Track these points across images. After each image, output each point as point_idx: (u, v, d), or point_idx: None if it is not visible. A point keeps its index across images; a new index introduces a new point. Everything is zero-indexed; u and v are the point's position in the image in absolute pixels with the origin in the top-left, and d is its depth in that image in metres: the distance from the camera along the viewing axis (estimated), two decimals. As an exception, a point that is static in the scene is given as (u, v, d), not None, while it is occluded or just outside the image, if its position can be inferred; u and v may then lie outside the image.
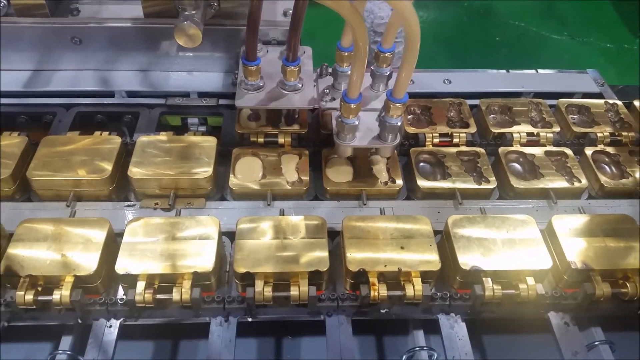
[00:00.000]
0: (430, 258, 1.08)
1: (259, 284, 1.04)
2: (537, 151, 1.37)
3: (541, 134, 1.41)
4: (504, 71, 1.68)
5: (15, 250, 1.07)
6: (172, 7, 1.41)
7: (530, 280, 1.07)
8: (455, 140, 1.39)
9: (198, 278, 1.05)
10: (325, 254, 1.08)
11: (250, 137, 1.36)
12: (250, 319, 1.10)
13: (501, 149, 1.37)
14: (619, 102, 1.52)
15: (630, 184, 1.32)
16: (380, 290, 1.05)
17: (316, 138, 1.39)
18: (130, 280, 1.05)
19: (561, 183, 1.30)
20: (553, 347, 1.10)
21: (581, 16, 4.39)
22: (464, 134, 1.39)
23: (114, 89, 1.53)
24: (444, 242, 1.16)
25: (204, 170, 1.24)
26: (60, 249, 1.07)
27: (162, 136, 1.33)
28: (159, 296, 1.04)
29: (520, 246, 1.11)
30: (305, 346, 1.21)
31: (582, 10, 4.46)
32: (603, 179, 1.31)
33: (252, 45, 1.20)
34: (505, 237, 1.12)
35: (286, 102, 1.29)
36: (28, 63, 1.54)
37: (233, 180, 1.26)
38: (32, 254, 1.06)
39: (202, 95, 1.54)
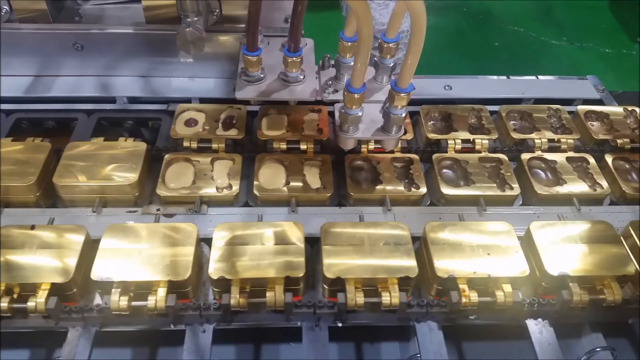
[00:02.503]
0: (517, 264, 1.09)
1: (350, 290, 1.05)
2: (471, 157, 1.37)
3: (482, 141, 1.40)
4: (505, 77, 1.69)
5: (105, 256, 1.07)
6: (174, 13, 1.42)
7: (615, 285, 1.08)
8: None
9: (289, 283, 1.06)
10: (412, 260, 1.09)
11: (183, 142, 1.36)
12: (340, 324, 1.10)
13: (435, 156, 1.37)
14: (638, 109, 1.51)
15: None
16: (470, 297, 1.05)
17: (254, 144, 1.40)
18: (223, 285, 1.06)
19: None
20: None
21: (580, 22, 4.42)
22: (403, 140, 1.40)
23: (115, 94, 1.54)
24: (526, 247, 1.16)
25: (130, 177, 1.24)
26: (152, 255, 1.08)
27: (92, 142, 1.33)
28: (252, 300, 1.05)
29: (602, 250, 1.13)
30: (386, 351, 1.22)
31: (581, 15, 4.48)
32: (624, 185, 1.31)
33: (253, 35, 1.18)
34: (587, 241, 1.14)
35: (288, 94, 1.27)
36: (30, 69, 1.54)
37: (161, 187, 1.26)
38: (122, 260, 1.07)
39: (203, 101, 1.53)
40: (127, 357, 1.17)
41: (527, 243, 1.16)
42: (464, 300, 1.05)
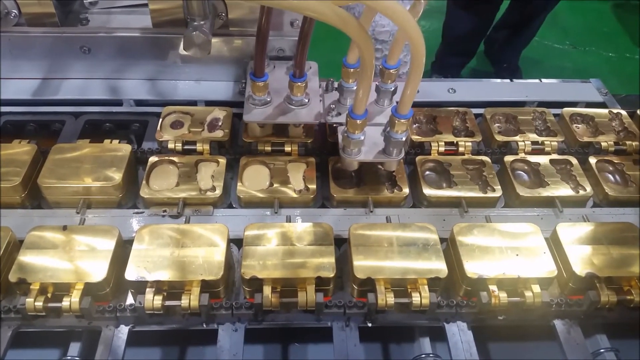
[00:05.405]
0: (545, 265, 1.10)
1: (380, 290, 1.06)
2: (454, 159, 1.37)
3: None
4: (508, 80, 1.70)
5: (139, 256, 1.09)
6: (180, 17, 1.43)
7: None
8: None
9: (319, 283, 1.07)
10: (441, 261, 1.10)
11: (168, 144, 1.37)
12: (370, 324, 1.11)
13: (419, 158, 1.37)
14: (623, 112, 1.52)
15: (635, 193, 1.32)
16: (500, 297, 1.06)
17: (238, 147, 1.42)
18: (254, 284, 1.07)
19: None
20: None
21: (583, 26, 4.42)
22: None
23: (122, 97, 1.55)
24: (552, 248, 1.17)
25: (113, 178, 1.25)
26: (184, 254, 1.09)
27: (77, 144, 1.35)
28: (284, 300, 1.07)
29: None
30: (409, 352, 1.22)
31: (584, 19, 4.49)
32: (607, 187, 1.32)
33: (261, 62, 1.23)
34: (613, 242, 1.15)
35: (293, 117, 1.31)
36: (37, 72, 1.56)
37: (144, 189, 1.27)
38: (155, 260, 1.08)
39: (209, 104, 1.55)
40: (157, 357, 1.19)
41: (554, 244, 1.17)
42: (493, 300, 1.06)
